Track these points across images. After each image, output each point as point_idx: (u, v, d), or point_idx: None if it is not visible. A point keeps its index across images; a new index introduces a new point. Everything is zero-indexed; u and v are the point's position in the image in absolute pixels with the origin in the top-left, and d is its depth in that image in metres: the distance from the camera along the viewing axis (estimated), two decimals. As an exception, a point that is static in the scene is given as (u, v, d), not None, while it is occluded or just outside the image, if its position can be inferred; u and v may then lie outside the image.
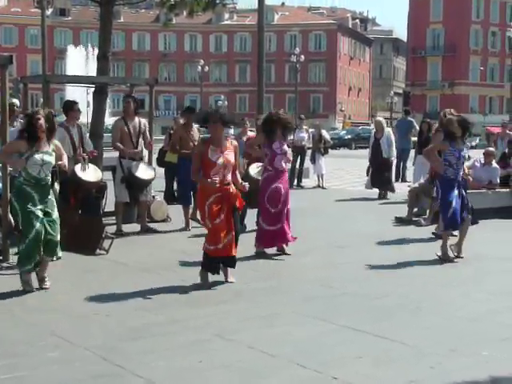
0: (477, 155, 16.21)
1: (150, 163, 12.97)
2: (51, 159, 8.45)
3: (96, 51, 16.30)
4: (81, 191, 11.54)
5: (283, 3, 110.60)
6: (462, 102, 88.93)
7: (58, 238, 8.46)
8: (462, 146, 10.64)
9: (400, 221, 14.35)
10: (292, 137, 19.04)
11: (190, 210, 13.16)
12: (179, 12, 17.65)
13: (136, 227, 12.92)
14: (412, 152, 21.45)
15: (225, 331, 6.77)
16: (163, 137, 17.39)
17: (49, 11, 71.77)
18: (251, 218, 11.77)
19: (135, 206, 13.10)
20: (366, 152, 21.25)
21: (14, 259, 9.50)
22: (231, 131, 15.39)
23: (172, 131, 14.61)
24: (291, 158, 11.28)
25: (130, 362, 5.89)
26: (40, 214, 8.29)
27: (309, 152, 22.81)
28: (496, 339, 6.64)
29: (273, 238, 10.75)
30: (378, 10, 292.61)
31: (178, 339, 6.56)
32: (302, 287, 8.71)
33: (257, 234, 10.86)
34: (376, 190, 19.09)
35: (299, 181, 22.45)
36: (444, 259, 10.38)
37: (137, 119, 12.57)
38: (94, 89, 14.63)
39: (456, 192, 10.53)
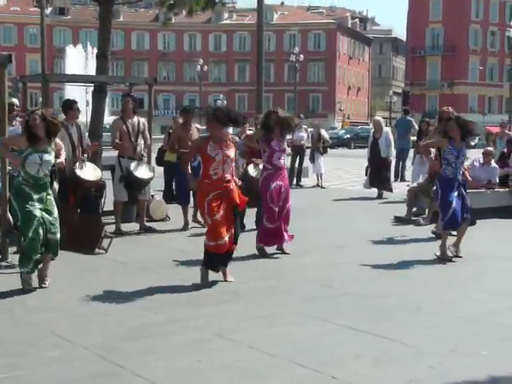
0: (476, 155, 16.20)
1: (148, 162, 12.96)
2: (50, 158, 8.44)
3: (95, 50, 16.28)
4: (80, 190, 11.54)
5: (282, 2, 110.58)
6: (462, 102, 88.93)
7: (59, 236, 8.46)
8: (461, 145, 10.63)
9: (399, 220, 14.35)
10: (291, 136, 19.03)
11: (191, 212, 13.15)
12: (178, 11, 17.64)
13: (135, 226, 12.92)
14: (411, 151, 21.45)
15: (225, 331, 6.77)
16: (162, 136, 17.35)
17: (48, 10, 71.82)
18: (251, 217, 11.76)
19: (134, 205, 13.11)
20: (365, 151, 21.27)
21: (12, 258, 9.51)
22: (230, 130, 15.37)
23: (171, 130, 14.59)
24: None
25: (130, 361, 5.89)
26: (39, 213, 8.29)
27: (308, 151, 22.82)
28: (495, 339, 6.64)
29: (273, 236, 10.75)
30: (378, 9, 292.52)
31: (178, 339, 6.55)
32: (301, 287, 8.71)
33: (258, 232, 10.85)
34: (375, 190, 19.09)
35: (298, 180, 22.47)
36: (443, 259, 10.38)
37: (136, 118, 12.57)
38: (93, 88, 14.62)
39: (456, 192, 10.53)
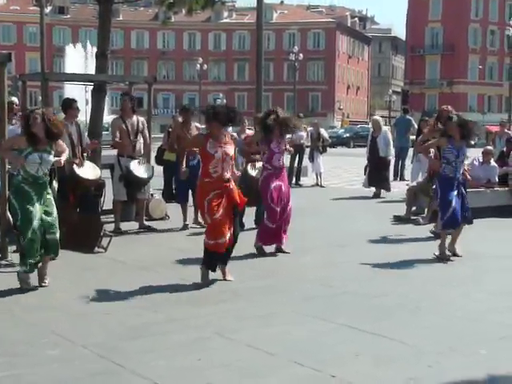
0: (475, 154, 16.20)
1: (148, 161, 12.96)
2: (50, 157, 8.44)
3: (95, 49, 16.28)
4: (79, 189, 11.54)
5: (282, 1, 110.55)
6: (461, 101, 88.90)
7: (58, 236, 8.46)
8: (461, 144, 10.62)
9: (398, 219, 14.35)
10: (290, 135, 19.03)
11: (192, 216, 13.13)
12: (178, 10, 17.64)
13: (134, 225, 12.92)
14: (410, 151, 21.46)
15: (224, 330, 6.77)
16: (162, 135, 17.35)
17: (47, 9, 71.85)
18: (250, 216, 11.77)
19: (133, 204, 13.11)
20: (364, 150, 21.26)
21: (12, 257, 9.51)
22: (229, 129, 15.36)
23: (170, 129, 14.59)
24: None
25: (130, 360, 5.89)
26: (38, 213, 8.29)
27: (307, 150, 22.82)
28: (495, 338, 6.65)
29: (273, 235, 10.75)
30: (377, 8, 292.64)
31: (178, 338, 6.56)
32: (301, 286, 8.71)
33: (259, 231, 10.85)
34: (372, 189, 19.09)
35: (298, 179, 22.46)
36: (441, 258, 10.39)
37: (135, 117, 12.58)
38: (92, 87, 14.63)
39: (455, 191, 10.53)
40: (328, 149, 23.80)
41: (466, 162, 13.20)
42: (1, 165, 9.74)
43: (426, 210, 14.11)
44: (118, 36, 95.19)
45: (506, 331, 6.89)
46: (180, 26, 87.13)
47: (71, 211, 11.21)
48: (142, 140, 12.67)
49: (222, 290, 8.46)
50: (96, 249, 10.73)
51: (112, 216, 12.76)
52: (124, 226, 12.63)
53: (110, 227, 12.09)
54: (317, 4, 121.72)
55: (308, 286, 8.71)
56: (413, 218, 14.24)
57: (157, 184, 14.87)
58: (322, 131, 23.46)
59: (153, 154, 14.23)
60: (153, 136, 13.62)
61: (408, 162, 22.27)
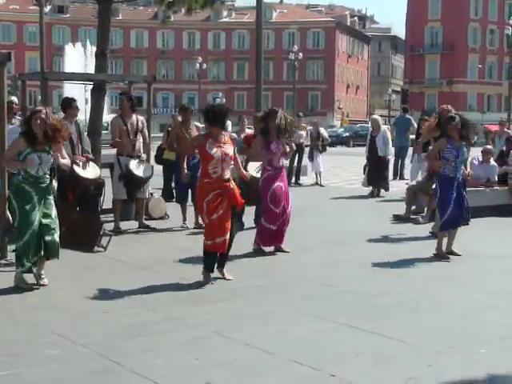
0: (475, 153, 16.20)
1: (147, 161, 12.95)
2: (49, 157, 8.44)
3: (94, 48, 16.28)
4: (79, 188, 11.54)
5: (281, 1, 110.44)
6: (461, 100, 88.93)
7: (57, 238, 8.46)
8: (460, 144, 10.62)
9: (398, 218, 14.36)
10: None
11: (192, 216, 13.12)
12: (177, 9, 17.64)
13: (134, 224, 12.92)
14: (410, 150, 21.46)
15: (223, 329, 6.77)
16: (161, 134, 17.35)
17: (47, 8, 71.84)
18: (249, 215, 11.77)
19: (133, 203, 13.11)
20: (364, 150, 21.26)
21: (12, 256, 9.49)
22: (229, 129, 15.38)
23: (170, 129, 14.59)
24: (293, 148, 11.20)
25: (129, 359, 5.89)
26: (38, 214, 8.30)
27: (307, 150, 22.81)
28: (494, 338, 6.65)
29: (272, 236, 10.75)
30: (377, 7, 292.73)
31: (177, 337, 6.56)
32: (300, 285, 8.71)
33: (258, 232, 10.85)
34: (370, 188, 19.12)
35: (297, 178, 22.45)
36: (439, 257, 10.40)
37: (134, 116, 12.57)
38: (92, 86, 14.63)
39: (455, 191, 10.52)
40: (327, 148, 23.79)
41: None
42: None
43: (425, 209, 14.11)
44: (118, 35, 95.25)
45: (506, 331, 6.89)
46: (179, 25, 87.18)
47: (71, 210, 11.21)
48: (141, 139, 12.66)
49: (221, 289, 8.46)
50: (96, 248, 10.73)
51: (112, 215, 12.76)
52: (124, 225, 12.63)
53: (109, 226, 12.09)
54: (316, 3, 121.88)
55: (307, 285, 8.71)
56: (412, 217, 14.24)
57: (156, 183, 14.87)
58: (322, 130, 23.46)
59: (152, 154, 14.24)
60: (152, 135, 13.62)
61: (407, 161, 22.28)
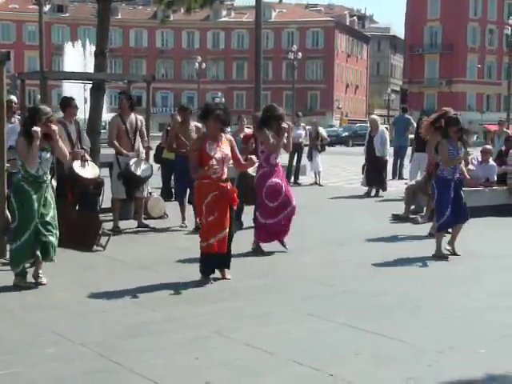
0: (474, 153, 16.20)
1: (147, 160, 12.95)
2: (49, 156, 8.45)
3: (93, 48, 16.27)
4: (78, 187, 11.53)
5: (281, 0, 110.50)
6: (460, 100, 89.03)
7: (53, 240, 8.44)
8: (459, 145, 10.64)
9: (397, 218, 14.36)
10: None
11: (193, 220, 13.11)
12: (177, 9, 17.63)
13: (133, 224, 12.91)
14: (409, 149, 21.46)
15: (223, 329, 6.76)
16: (160, 134, 17.36)
17: (46, 8, 71.91)
18: (249, 214, 11.76)
19: (132, 202, 13.10)
20: (363, 149, 21.25)
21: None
22: (228, 128, 15.33)
23: (169, 128, 14.58)
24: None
25: (128, 359, 5.88)
26: (36, 214, 8.30)
27: (306, 149, 22.81)
28: (494, 338, 6.64)
29: (271, 232, 10.75)
30: (376, 7, 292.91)
31: (176, 337, 6.55)
32: (300, 285, 8.70)
33: (255, 229, 10.86)
34: (366, 188, 19.11)
35: (296, 178, 22.46)
36: (439, 257, 10.40)
37: (133, 116, 12.57)
38: (91, 85, 14.62)
39: (452, 192, 10.53)
40: (327, 147, 23.79)
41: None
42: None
43: (424, 208, 14.12)
44: (117, 34, 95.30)
45: (506, 330, 6.89)
46: (179, 24, 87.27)
47: (70, 209, 11.20)
48: (140, 138, 12.65)
49: (221, 289, 8.45)
50: (95, 247, 10.72)
51: (111, 214, 12.75)
52: (123, 224, 12.62)
53: (108, 226, 12.08)
54: (315, 3, 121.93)
55: (307, 285, 8.70)
56: (411, 216, 14.25)
57: (155, 183, 14.86)
58: (321, 130, 23.46)
59: (151, 153, 14.23)
60: (151, 134, 13.61)
61: (406, 160, 22.28)
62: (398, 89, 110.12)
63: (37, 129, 8.19)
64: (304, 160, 23.02)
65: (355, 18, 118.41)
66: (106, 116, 18.80)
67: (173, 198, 14.59)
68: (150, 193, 13.92)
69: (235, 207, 9.14)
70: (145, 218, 13.08)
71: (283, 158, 14.83)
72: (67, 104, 11.81)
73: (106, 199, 12.72)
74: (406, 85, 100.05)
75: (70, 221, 10.56)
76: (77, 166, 11.38)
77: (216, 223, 8.63)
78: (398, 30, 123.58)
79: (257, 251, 10.64)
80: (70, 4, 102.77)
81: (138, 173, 12.35)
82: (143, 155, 12.66)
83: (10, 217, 9.13)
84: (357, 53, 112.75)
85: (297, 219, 11.06)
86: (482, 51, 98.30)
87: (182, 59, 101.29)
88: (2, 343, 6.32)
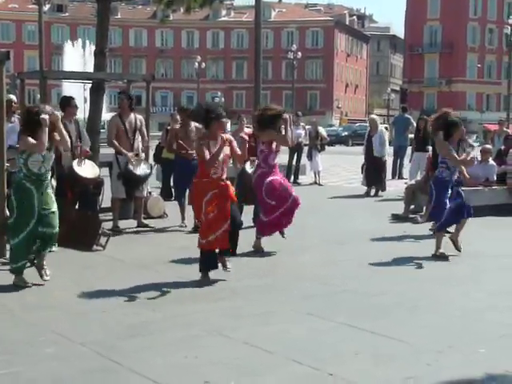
0: (472, 153, 16.18)
1: (146, 159, 12.94)
2: (51, 154, 8.48)
3: (93, 47, 16.27)
4: (78, 187, 11.53)
5: (280, 0, 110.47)
6: (459, 100, 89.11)
7: (56, 229, 8.47)
8: (458, 148, 10.67)
9: (397, 218, 14.36)
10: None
11: (192, 219, 13.11)
12: (176, 8, 17.63)
13: (132, 223, 12.91)
14: (409, 149, 21.46)
15: (222, 328, 6.76)
16: (160, 133, 17.36)
17: (46, 7, 71.87)
18: (248, 214, 11.76)
19: (131, 202, 13.10)
20: (362, 149, 21.26)
21: (11, 255, 9.50)
22: (228, 128, 15.36)
23: (169, 127, 14.57)
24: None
25: (127, 358, 5.89)
26: (36, 213, 8.32)
27: (305, 149, 22.81)
28: (494, 337, 6.64)
29: (273, 224, 10.76)
30: (376, 6, 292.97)
31: (176, 336, 6.55)
32: (300, 284, 8.70)
33: (257, 228, 10.87)
34: (365, 188, 19.12)
35: (296, 177, 22.45)
36: (439, 256, 10.40)
37: (132, 115, 12.56)
38: (91, 85, 14.62)
39: (449, 193, 10.54)
40: (326, 147, 23.78)
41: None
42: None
43: (424, 208, 14.10)
44: (117, 34, 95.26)
45: (505, 330, 6.89)
46: (178, 24, 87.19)
47: (69, 209, 11.19)
48: (140, 138, 12.65)
49: (221, 289, 8.45)
50: (94, 247, 10.72)
51: (110, 214, 12.75)
52: (122, 224, 12.62)
53: (108, 225, 12.08)
54: (315, 2, 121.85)
55: (307, 285, 8.70)
56: (411, 216, 14.25)
57: (155, 182, 14.85)
58: (321, 129, 23.47)
59: (151, 152, 14.23)
60: (151, 134, 13.60)
61: (406, 160, 22.28)
62: (397, 88, 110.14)
63: (45, 116, 8.26)
64: (304, 159, 23.01)
65: (355, 17, 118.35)
66: (106, 115, 18.81)
67: (172, 198, 14.58)
68: (150, 192, 13.92)
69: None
70: (144, 218, 13.08)
71: (283, 158, 14.85)
72: (67, 103, 11.81)
73: (105, 199, 12.72)
74: (406, 84, 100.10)
75: (70, 220, 10.54)
76: (76, 165, 11.38)
77: (216, 220, 8.65)
78: (398, 30, 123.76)
79: (257, 251, 10.64)
80: (69, 4, 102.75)
81: (138, 172, 12.34)
82: (143, 155, 12.65)
83: (9, 216, 9.13)
84: (356, 52, 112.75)
85: (297, 219, 11.06)
86: (481, 51, 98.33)
87: (182, 59, 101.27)
88: (1, 343, 6.32)
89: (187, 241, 11.41)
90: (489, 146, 16.82)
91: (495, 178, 15.56)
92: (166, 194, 14.84)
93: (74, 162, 11.38)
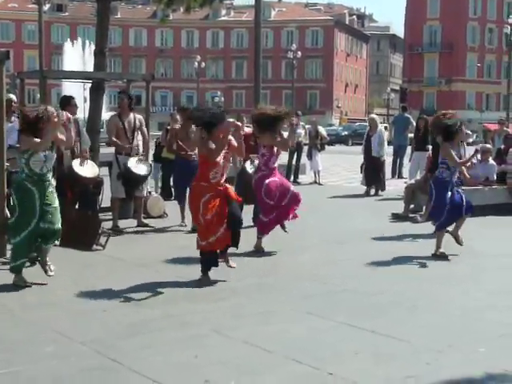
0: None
1: (146, 159, 12.94)
2: (53, 154, 8.49)
3: (93, 47, 16.28)
4: (78, 186, 11.53)
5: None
6: (459, 99, 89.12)
7: (57, 227, 8.48)
8: (458, 148, 10.68)
9: (396, 217, 14.37)
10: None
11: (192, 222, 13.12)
12: (176, 8, 17.64)
13: (132, 223, 12.91)
14: (408, 149, 21.46)
15: (222, 327, 6.77)
16: (159, 133, 17.36)
17: (46, 7, 71.84)
18: (248, 214, 11.76)
19: (131, 201, 13.10)
20: (361, 148, 21.26)
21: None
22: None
23: (169, 127, 14.58)
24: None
25: (127, 357, 5.89)
26: (37, 214, 8.33)
27: (305, 148, 22.81)
28: (493, 336, 6.64)
29: (274, 221, 10.78)
30: (376, 6, 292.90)
31: (175, 335, 6.55)
32: (299, 284, 8.70)
33: (258, 228, 10.87)
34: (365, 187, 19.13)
35: (296, 177, 22.45)
36: (439, 256, 10.41)
37: (132, 115, 12.56)
38: (90, 84, 14.63)
39: (449, 192, 10.54)
40: (326, 147, 23.78)
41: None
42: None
43: (424, 207, 14.10)
44: (116, 34, 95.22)
45: (505, 329, 6.89)
46: (178, 23, 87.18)
47: (69, 209, 11.20)
48: (139, 137, 12.65)
49: (221, 288, 8.45)
50: (94, 246, 10.72)
51: (110, 214, 12.75)
52: (122, 223, 12.62)
53: (108, 225, 12.08)
54: (315, 2, 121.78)
55: (307, 284, 8.70)
56: (411, 215, 14.25)
57: (150, 181, 14.84)
58: (321, 129, 23.46)
59: (151, 152, 14.23)
60: (150, 134, 13.60)
61: (406, 159, 22.28)
62: (397, 88, 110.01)
63: (59, 117, 8.45)
64: (304, 159, 23.01)
65: (355, 16, 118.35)
66: (106, 115, 18.82)
67: (172, 198, 14.58)
68: (150, 192, 13.92)
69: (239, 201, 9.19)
70: (144, 217, 13.08)
71: (283, 158, 14.84)
72: (67, 103, 11.83)
73: (105, 198, 12.72)
74: (406, 84, 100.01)
75: (70, 220, 10.54)
76: (76, 165, 11.39)
77: (214, 221, 8.65)
78: (398, 29, 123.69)
79: (257, 251, 10.64)
80: (69, 3, 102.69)
81: (138, 172, 12.34)
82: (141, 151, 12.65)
83: (9, 215, 9.14)
84: (356, 52, 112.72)
85: (296, 218, 11.06)
86: (481, 50, 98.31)
87: (182, 58, 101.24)
88: (1, 342, 6.33)
89: (187, 240, 11.40)
90: (489, 146, 16.84)
91: (495, 178, 15.57)
92: (165, 194, 14.84)
93: (74, 162, 11.38)
